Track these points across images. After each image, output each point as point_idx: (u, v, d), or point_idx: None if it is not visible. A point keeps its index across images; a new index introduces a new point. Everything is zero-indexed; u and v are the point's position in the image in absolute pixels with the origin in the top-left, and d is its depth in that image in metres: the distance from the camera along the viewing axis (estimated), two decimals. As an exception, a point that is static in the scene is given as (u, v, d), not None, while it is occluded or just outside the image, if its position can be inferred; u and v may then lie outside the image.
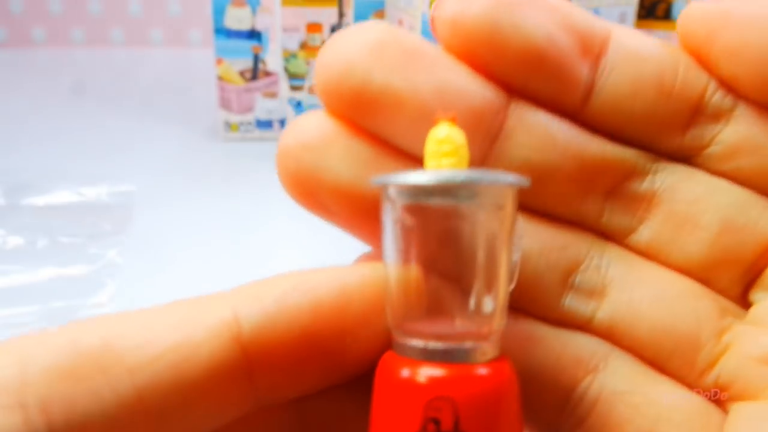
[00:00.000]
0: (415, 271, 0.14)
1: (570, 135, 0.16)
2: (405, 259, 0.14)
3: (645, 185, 0.16)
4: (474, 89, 0.15)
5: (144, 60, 0.89)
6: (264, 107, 0.65)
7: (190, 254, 0.48)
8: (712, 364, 0.15)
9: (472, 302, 0.14)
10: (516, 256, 0.15)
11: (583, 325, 0.16)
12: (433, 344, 0.14)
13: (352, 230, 0.16)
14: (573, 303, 0.16)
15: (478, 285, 0.14)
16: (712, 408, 0.15)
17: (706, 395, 0.16)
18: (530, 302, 0.16)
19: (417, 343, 0.14)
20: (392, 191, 0.14)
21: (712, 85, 0.16)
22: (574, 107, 0.16)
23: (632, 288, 0.16)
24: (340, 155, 0.15)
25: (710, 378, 0.16)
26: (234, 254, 0.48)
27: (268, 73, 0.64)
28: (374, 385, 0.14)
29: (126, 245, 0.48)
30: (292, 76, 0.64)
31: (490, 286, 0.14)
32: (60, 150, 0.63)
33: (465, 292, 0.14)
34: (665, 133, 0.16)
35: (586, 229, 0.16)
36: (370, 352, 0.15)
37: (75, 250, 0.47)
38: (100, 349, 0.13)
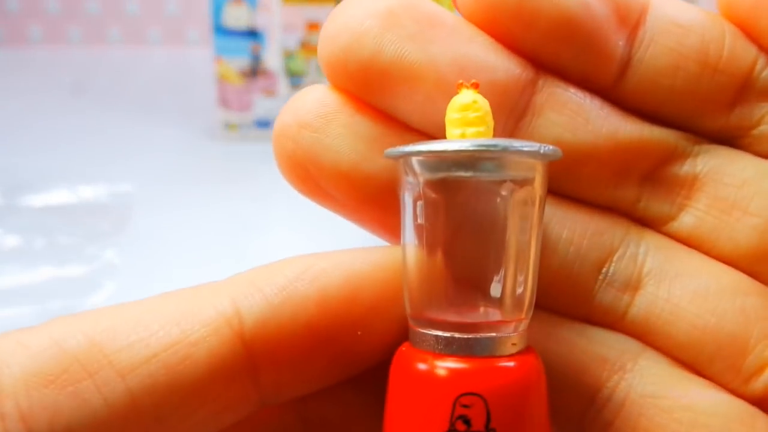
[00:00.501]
0: (437, 253, 0.13)
1: (603, 114, 0.14)
2: (427, 240, 0.13)
3: (686, 168, 0.15)
4: (498, 62, 0.14)
5: (142, 59, 0.89)
6: (263, 106, 0.65)
7: (189, 255, 0.47)
8: (761, 369, 0.14)
9: (499, 287, 0.13)
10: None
11: (616, 322, 0.15)
12: (459, 335, 0.12)
13: (357, 219, 0.15)
14: (606, 297, 0.15)
15: (506, 268, 0.13)
16: (758, 414, 0.14)
17: (752, 401, 0.14)
18: (558, 296, 0.15)
19: (440, 333, 0.12)
20: (414, 163, 0.13)
21: (762, 59, 0.15)
22: (609, 83, 0.15)
23: (671, 281, 0.14)
24: (341, 133, 0.14)
25: (758, 384, 0.14)
26: (233, 255, 0.47)
27: (267, 73, 0.64)
28: (390, 380, 0.13)
29: (124, 246, 0.48)
30: (292, 75, 0.64)
31: (519, 269, 0.13)
32: (57, 150, 0.62)
33: (492, 276, 0.13)
34: (709, 111, 0.15)
35: (622, 216, 0.15)
36: (384, 344, 0.13)
37: (72, 251, 0.47)
38: (86, 350, 0.12)
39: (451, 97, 0.13)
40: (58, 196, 0.54)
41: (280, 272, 0.13)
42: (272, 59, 0.64)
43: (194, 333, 0.12)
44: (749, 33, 0.15)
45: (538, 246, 0.13)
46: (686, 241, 0.15)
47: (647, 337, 0.15)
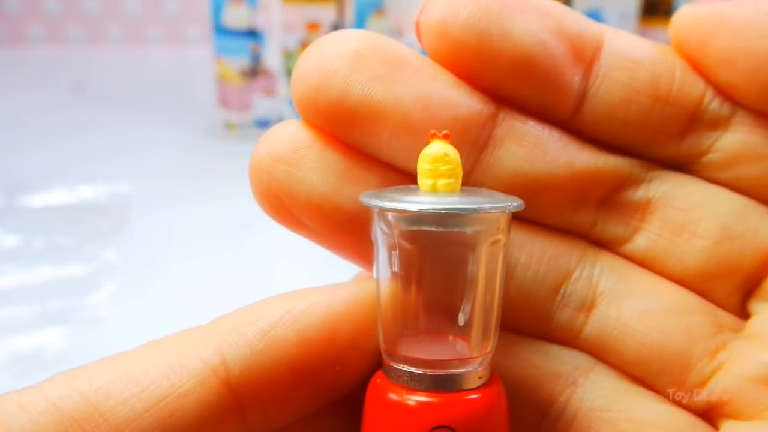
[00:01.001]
0: (410, 295, 0.14)
1: (561, 145, 0.15)
2: (400, 283, 0.14)
3: (639, 193, 0.16)
4: (459, 99, 0.15)
5: (142, 59, 0.89)
6: (263, 106, 0.65)
7: (188, 255, 0.47)
8: (703, 383, 0.15)
9: (468, 326, 0.14)
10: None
11: (571, 339, 0.16)
12: (429, 371, 0.13)
13: (330, 247, 0.16)
14: (563, 316, 0.15)
15: (474, 308, 0.14)
16: (699, 425, 0.15)
17: (696, 413, 0.15)
18: (517, 317, 0.15)
19: (411, 369, 0.14)
20: (389, 216, 0.13)
21: (710, 91, 0.15)
22: (566, 116, 0.15)
23: (622, 301, 0.15)
24: (313, 166, 0.15)
25: (701, 397, 0.15)
26: (232, 254, 0.48)
27: (267, 72, 0.64)
28: (365, 410, 0.14)
29: (123, 245, 0.48)
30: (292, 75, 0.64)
31: (486, 308, 0.14)
32: (57, 149, 0.62)
33: (461, 315, 0.14)
34: (661, 140, 0.16)
35: (579, 238, 0.16)
36: (361, 374, 0.14)
37: (72, 251, 0.47)
38: (82, 411, 0.12)
39: (416, 133, 0.14)
40: (57, 196, 0.54)
41: (261, 316, 0.14)
42: (272, 59, 0.64)
43: (183, 385, 0.13)
44: (697, 68, 0.16)
45: (502, 285, 0.14)
46: (640, 262, 0.16)
47: (600, 354, 0.15)
